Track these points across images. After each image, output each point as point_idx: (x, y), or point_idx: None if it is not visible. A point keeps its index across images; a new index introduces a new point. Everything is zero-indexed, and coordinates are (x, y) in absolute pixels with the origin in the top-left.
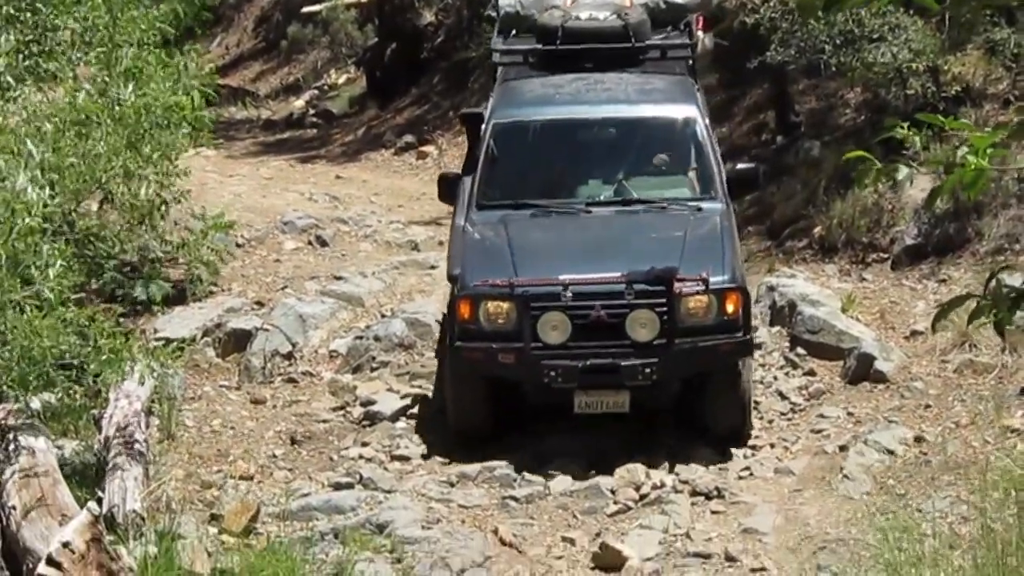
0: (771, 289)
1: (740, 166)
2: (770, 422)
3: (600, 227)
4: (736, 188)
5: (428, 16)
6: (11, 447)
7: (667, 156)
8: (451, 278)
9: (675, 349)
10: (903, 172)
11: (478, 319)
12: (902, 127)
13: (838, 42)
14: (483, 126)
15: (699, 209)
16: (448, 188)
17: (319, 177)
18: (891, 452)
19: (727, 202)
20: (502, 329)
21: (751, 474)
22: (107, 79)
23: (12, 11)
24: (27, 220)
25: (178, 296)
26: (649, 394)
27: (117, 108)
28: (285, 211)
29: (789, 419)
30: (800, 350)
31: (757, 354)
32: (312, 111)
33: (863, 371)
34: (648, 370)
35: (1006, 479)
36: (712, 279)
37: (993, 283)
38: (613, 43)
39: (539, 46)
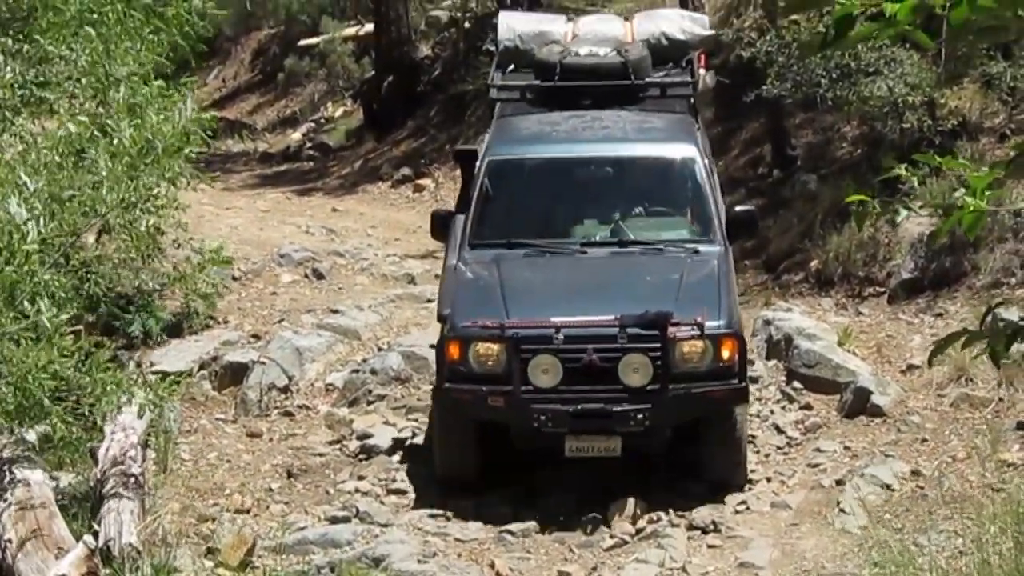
0: (767, 323)
1: (738, 208)
2: (767, 456)
3: (595, 268)
4: (734, 231)
5: (425, 49)
6: (7, 479)
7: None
8: (441, 318)
9: (668, 395)
10: (903, 215)
11: (467, 360)
12: (899, 167)
13: (834, 76)
14: (477, 163)
15: (696, 252)
16: (441, 226)
17: (316, 210)
18: (888, 486)
19: (725, 245)
20: (492, 371)
21: (747, 508)
22: (100, 110)
23: (11, 43)
24: (24, 247)
25: (175, 329)
26: (641, 440)
27: (115, 142)
28: (282, 244)
29: (785, 453)
30: (796, 384)
31: (753, 388)
32: (309, 144)
33: (859, 405)
34: (640, 416)
35: (1003, 513)
36: (708, 324)
37: (989, 318)
38: (612, 80)
39: (537, 82)
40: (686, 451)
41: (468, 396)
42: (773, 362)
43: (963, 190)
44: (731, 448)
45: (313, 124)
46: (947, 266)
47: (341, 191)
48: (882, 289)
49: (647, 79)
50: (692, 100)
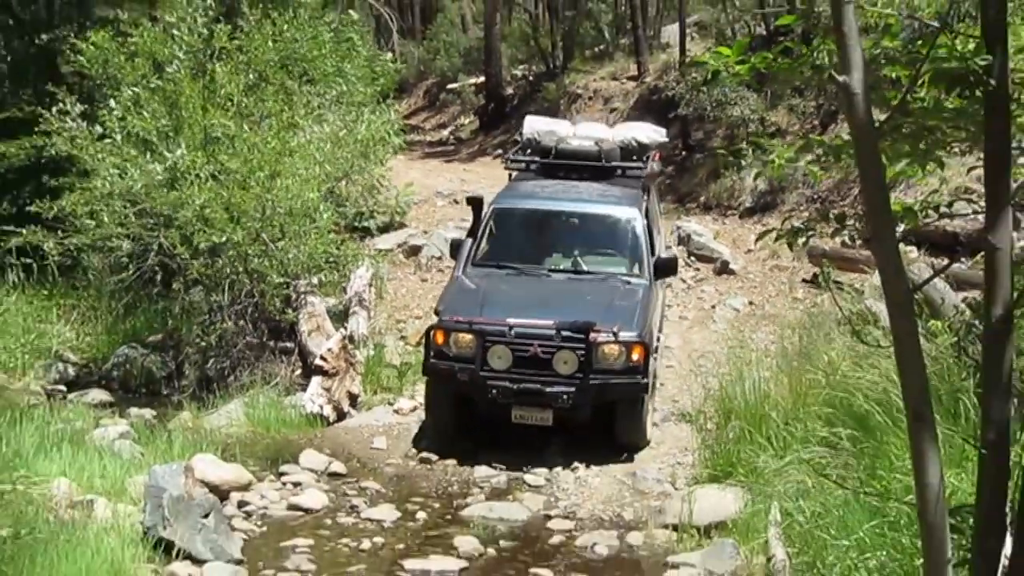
0: (678, 228)
1: (663, 255)
2: (676, 294)
3: (553, 287)
4: (659, 272)
5: (510, 90)
6: (303, 301)
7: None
8: (436, 312)
9: (589, 383)
10: (744, 167)
11: (449, 345)
12: (743, 147)
13: (713, 104)
14: (484, 208)
15: (628, 282)
16: (455, 248)
17: (455, 171)
18: (737, 309)
19: (651, 280)
20: (463, 354)
21: (667, 318)
22: (349, 118)
23: (300, 85)
24: (313, 194)
25: (385, 228)
26: (568, 414)
27: (356, 136)
28: (438, 186)
29: (686, 292)
30: (692, 258)
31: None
32: (452, 137)
33: (723, 268)
34: (566, 396)
35: (794, 323)
36: (622, 333)
37: (788, 224)
38: (589, 161)
39: (537, 159)
40: (602, 426)
41: (446, 371)
42: (681, 247)
43: (774, 156)
44: (636, 424)
45: (454, 127)
46: (768, 200)
47: (468, 161)
48: (736, 211)
49: (614, 163)
50: (643, 180)
